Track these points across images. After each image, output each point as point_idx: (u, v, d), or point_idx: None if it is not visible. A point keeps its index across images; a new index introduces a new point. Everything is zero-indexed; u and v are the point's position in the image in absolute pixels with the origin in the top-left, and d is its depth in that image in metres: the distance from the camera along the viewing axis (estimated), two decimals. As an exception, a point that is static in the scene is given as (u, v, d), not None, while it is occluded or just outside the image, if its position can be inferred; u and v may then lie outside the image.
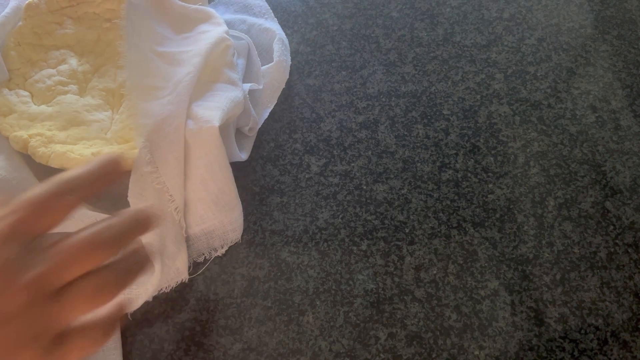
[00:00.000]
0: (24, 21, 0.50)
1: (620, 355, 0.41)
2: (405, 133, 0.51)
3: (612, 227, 0.46)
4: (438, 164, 0.49)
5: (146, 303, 0.43)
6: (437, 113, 0.52)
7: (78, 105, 0.48)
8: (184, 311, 0.43)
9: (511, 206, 0.47)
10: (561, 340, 0.40)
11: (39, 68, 0.49)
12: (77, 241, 0.26)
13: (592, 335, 0.41)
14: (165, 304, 0.43)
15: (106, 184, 0.28)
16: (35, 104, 0.48)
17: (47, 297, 0.25)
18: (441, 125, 0.51)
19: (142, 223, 0.28)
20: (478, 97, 0.53)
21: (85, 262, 0.26)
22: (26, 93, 0.48)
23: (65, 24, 0.52)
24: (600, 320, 0.42)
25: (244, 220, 0.47)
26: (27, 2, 0.51)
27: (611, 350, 0.41)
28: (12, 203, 0.26)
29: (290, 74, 0.55)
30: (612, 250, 0.45)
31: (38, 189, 0.26)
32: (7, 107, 0.46)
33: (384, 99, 0.53)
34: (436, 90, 0.53)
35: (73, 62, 0.51)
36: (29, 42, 0.50)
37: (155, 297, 0.44)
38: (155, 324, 0.43)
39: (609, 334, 0.41)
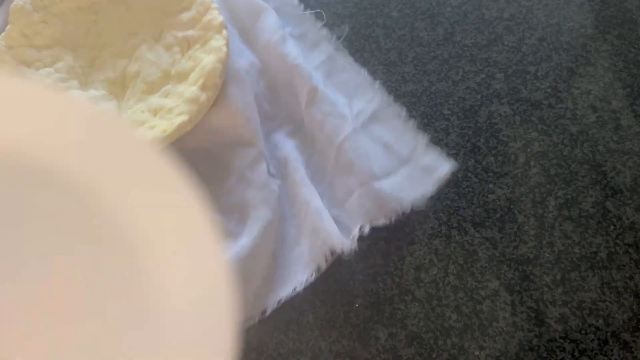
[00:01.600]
0: (11, 24, 0.50)
1: (621, 356, 0.40)
2: (406, 133, 0.51)
3: (612, 227, 0.46)
4: (438, 163, 0.49)
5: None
6: (438, 113, 0.52)
7: (83, 99, 0.48)
8: (183, 311, 0.43)
9: (511, 206, 0.47)
10: (561, 341, 0.40)
11: (36, 68, 0.49)
12: None
13: (592, 336, 0.41)
14: (165, 304, 0.43)
15: None
16: None
17: None
18: (441, 125, 0.51)
19: None
20: (478, 96, 0.53)
21: None
22: None
23: (52, 22, 0.52)
24: (600, 321, 0.42)
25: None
26: (11, 4, 0.50)
27: (611, 350, 0.41)
28: None
29: (290, 73, 0.55)
30: (613, 250, 0.45)
31: None
32: None
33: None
34: (436, 90, 0.53)
35: (68, 58, 0.51)
36: (20, 45, 0.50)
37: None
38: (155, 324, 0.43)
39: (609, 334, 0.41)
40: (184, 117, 0.46)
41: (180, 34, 0.50)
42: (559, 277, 0.43)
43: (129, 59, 0.51)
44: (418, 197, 0.44)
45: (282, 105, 0.52)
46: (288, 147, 0.49)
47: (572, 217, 0.46)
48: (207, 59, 0.48)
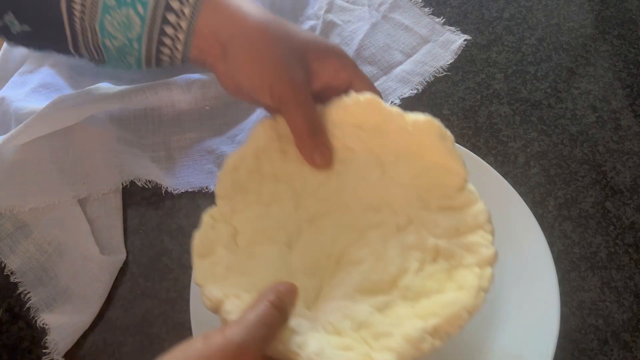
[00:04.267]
0: (250, 143, 0.40)
1: (621, 356, 0.40)
2: (406, 133, 0.51)
3: (612, 227, 0.46)
4: (438, 164, 0.49)
5: (146, 303, 0.43)
6: (438, 113, 0.52)
7: (284, 262, 0.38)
8: (183, 311, 0.43)
9: (511, 206, 0.47)
10: (561, 340, 0.40)
11: (250, 201, 0.39)
12: None
13: (592, 336, 0.41)
14: (165, 303, 0.43)
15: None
16: (237, 244, 0.38)
17: None
18: (441, 125, 0.51)
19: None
20: (478, 97, 0.53)
21: None
22: (230, 229, 0.38)
23: (290, 153, 0.41)
24: (600, 321, 0.42)
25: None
26: (260, 122, 0.41)
27: (611, 350, 0.41)
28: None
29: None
30: (613, 250, 0.45)
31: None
32: (208, 245, 0.37)
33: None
34: (436, 90, 0.53)
35: (289, 204, 0.40)
36: (247, 167, 0.40)
37: (155, 297, 0.44)
38: (155, 324, 0.43)
39: (609, 334, 0.41)
40: (387, 358, 0.32)
41: (431, 239, 0.37)
42: (559, 277, 0.43)
43: (357, 236, 0.39)
44: (439, 68, 0.54)
45: (299, 8, 0.58)
46: None
47: (572, 217, 0.46)
48: (453, 294, 0.35)
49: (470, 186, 0.38)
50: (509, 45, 0.55)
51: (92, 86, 0.49)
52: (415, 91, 0.52)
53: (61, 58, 0.52)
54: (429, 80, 0.53)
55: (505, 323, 0.38)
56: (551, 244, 0.42)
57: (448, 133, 0.38)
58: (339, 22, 0.56)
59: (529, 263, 0.41)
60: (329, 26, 0.56)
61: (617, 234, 0.45)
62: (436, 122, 0.38)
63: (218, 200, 0.39)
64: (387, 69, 0.54)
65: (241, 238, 0.38)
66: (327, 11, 0.57)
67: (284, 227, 0.39)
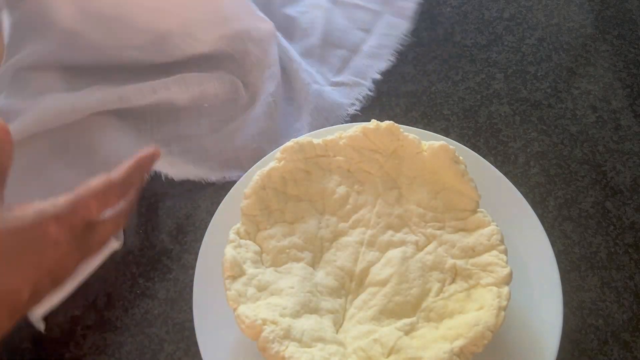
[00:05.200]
0: (277, 163, 0.42)
1: (621, 356, 0.40)
2: (406, 133, 0.51)
3: (612, 227, 0.46)
4: (438, 163, 0.49)
5: (146, 303, 0.43)
6: (437, 113, 0.52)
7: (310, 282, 0.38)
8: (183, 311, 0.43)
9: (511, 206, 0.47)
10: (561, 340, 0.40)
11: (274, 220, 0.41)
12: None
13: (592, 336, 0.41)
14: (165, 304, 0.43)
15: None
16: (264, 265, 0.39)
17: (84, 229, 0.37)
18: (441, 125, 0.51)
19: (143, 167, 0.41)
20: (478, 97, 0.53)
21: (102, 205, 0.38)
22: (256, 248, 0.39)
23: (314, 174, 0.43)
24: (600, 321, 0.42)
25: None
26: (290, 142, 0.43)
27: (611, 350, 0.41)
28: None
29: (291, 73, 0.55)
30: (613, 250, 0.45)
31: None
32: (238, 265, 0.37)
33: (384, 99, 0.53)
34: (436, 90, 0.53)
35: (311, 223, 0.41)
36: (274, 187, 0.41)
37: (155, 297, 0.44)
38: (155, 324, 0.43)
39: (609, 334, 0.41)
40: None
41: (449, 260, 0.39)
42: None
43: (378, 256, 0.40)
44: (405, 33, 0.56)
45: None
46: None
47: (572, 217, 0.46)
48: (475, 314, 0.35)
49: (482, 209, 0.40)
50: (509, 45, 0.55)
51: (91, 87, 0.49)
52: (390, 62, 0.54)
53: (60, 59, 0.51)
54: (399, 50, 0.55)
55: (507, 323, 0.38)
56: (551, 244, 0.42)
57: (461, 158, 0.40)
58: (294, 14, 0.57)
59: (531, 262, 0.41)
60: (287, 20, 0.57)
61: (617, 234, 0.45)
62: (450, 147, 0.40)
63: (243, 217, 0.40)
64: (355, 48, 0.55)
65: (266, 257, 0.39)
66: (281, 5, 0.58)
67: (307, 246, 0.40)
